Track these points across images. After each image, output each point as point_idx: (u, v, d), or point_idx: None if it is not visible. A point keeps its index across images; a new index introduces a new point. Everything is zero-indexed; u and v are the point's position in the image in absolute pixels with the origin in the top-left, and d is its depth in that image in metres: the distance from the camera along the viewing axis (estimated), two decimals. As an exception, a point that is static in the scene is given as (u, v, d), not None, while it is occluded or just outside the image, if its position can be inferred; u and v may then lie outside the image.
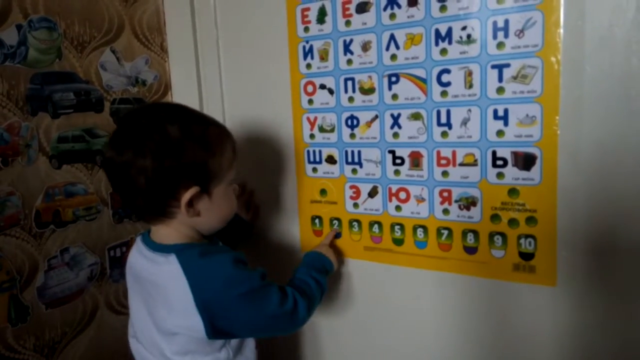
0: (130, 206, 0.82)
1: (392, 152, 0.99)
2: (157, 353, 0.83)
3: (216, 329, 0.77)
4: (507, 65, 0.85)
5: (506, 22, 0.84)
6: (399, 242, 1.02)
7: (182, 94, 1.24)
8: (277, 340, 1.23)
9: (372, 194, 1.03)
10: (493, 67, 0.86)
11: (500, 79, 0.86)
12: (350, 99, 1.01)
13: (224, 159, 0.80)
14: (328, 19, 1.01)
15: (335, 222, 1.08)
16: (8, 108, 0.97)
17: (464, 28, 0.88)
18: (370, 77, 0.98)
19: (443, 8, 0.89)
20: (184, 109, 0.82)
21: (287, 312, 0.81)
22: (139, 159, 0.74)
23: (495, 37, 0.85)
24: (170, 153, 0.74)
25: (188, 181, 0.76)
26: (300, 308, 0.83)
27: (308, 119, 1.08)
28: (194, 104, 1.22)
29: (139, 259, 0.84)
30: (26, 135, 1.00)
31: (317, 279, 0.93)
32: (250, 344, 0.88)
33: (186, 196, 0.76)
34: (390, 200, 1.01)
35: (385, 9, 0.95)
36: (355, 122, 1.02)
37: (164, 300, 0.78)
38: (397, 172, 0.99)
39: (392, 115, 0.98)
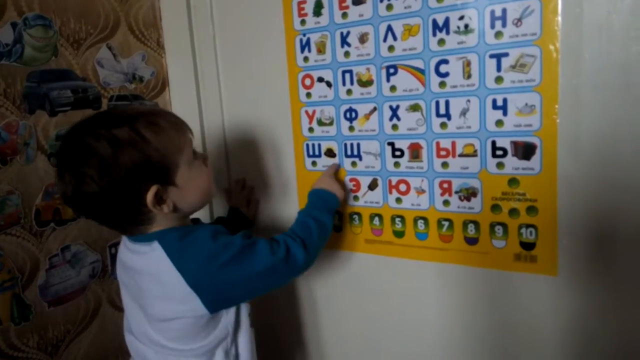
0: (111, 227, 0.82)
1: (392, 144, 0.99)
2: (151, 344, 0.84)
3: (216, 302, 0.78)
4: (506, 55, 0.84)
5: (504, 11, 0.83)
6: (399, 234, 1.01)
7: (180, 89, 1.24)
8: (279, 331, 1.23)
9: (372, 186, 1.03)
10: (491, 56, 0.86)
11: (499, 69, 0.85)
12: (349, 92, 1.01)
13: (169, 145, 0.77)
14: (324, 11, 1.01)
15: (336, 215, 1.08)
16: (5, 107, 0.96)
17: (461, 18, 0.87)
18: (368, 69, 0.98)
19: (440, -2, 0.89)
20: (104, 116, 0.78)
21: (280, 260, 0.80)
22: (86, 188, 0.73)
23: (493, 26, 0.85)
24: (109, 171, 0.72)
25: (143, 184, 0.75)
26: (294, 252, 0.83)
27: (306, 112, 1.07)
28: (191, 100, 1.21)
29: (126, 253, 0.84)
30: (24, 134, 1.00)
31: (317, 218, 0.91)
32: (245, 321, 0.87)
33: (149, 198, 0.75)
34: (391, 193, 1.01)
35: (382, 0, 0.94)
36: (353, 114, 1.02)
37: (159, 288, 0.78)
38: (396, 164, 0.99)
39: (390, 107, 0.97)
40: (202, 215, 1.16)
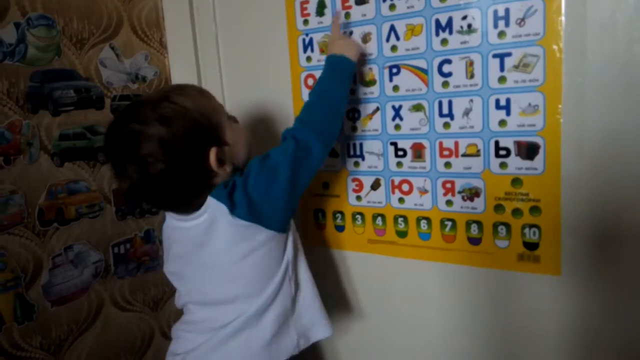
0: (177, 205, 0.82)
1: (394, 144, 0.99)
2: (226, 302, 0.83)
3: (276, 220, 0.81)
4: (509, 54, 0.84)
5: (507, 10, 0.83)
6: (402, 234, 1.01)
7: (183, 89, 1.24)
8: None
9: (375, 186, 1.03)
10: (494, 56, 0.86)
11: (502, 69, 0.85)
12: (351, 92, 1.01)
13: (208, 109, 0.80)
14: (327, 11, 1.01)
15: (339, 215, 1.08)
16: (9, 107, 0.97)
17: (464, 17, 0.87)
18: (370, 69, 0.98)
19: (443, -2, 0.88)
20: (137, 104, 0.79)
21: (294, 149, 0.82)
22: (152, 170, 0.74)
23: (496, 26, 0.85)
24: (168, 146, 0.74)
25: (203, 150, 0.77)
26: (302, 139, 0.84)
27: (309, 112, 1.07)
28: (194, 100, 1.21)
29: (181, 223, 0.83)
30: (27, 134, 1.00)
31: (325, 92, 0.89)
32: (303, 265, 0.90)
33: (212, 160, 0.77)
34: (393, 193, 1.01)
35: (384, 0, 0.94)
36: (356, 114, 1.02)
37: (225, 232, 0.79)
38: (399, 164, 0.99)
39: (393, 107, 0.97)
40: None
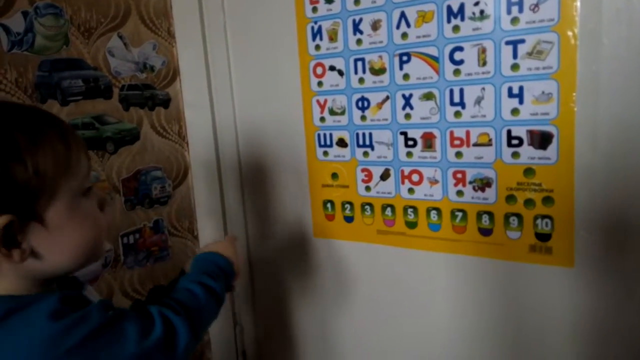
0: None
1: (404, 133, 0.97)
2: None
3: None
4: (522, 41, 0.82)
5: (520, -4, 0.81)
6: (412, 225, 1.00)
7: (191, 79, 1.23)
8: (290, 321, 1.23)
9: (384, 176, 1.02)
10: (507, 43, 0.84)
11: (515, 56, 0.83)
12: (361, 80, 0.99)
13: (50, 160, 0.52)
14: (337, -2, 0.99)
15: (347, 205, 1.07)
16: (17, 96, 0.97)
17: (476, 4, 0.85)
18: (380, 57, 0.96)
19: (455, -17, 0.87)
20: None
21: (158, 341, 0.56)
22: None
23: (509, 12, 0.83)
24: None
25: None
26: (178, 329, 0.59)
27: (318, 101, 1.06)
28: (202, 89, 1.21)
29: None
30: (36, 123, 1.00)
31: (207, 284, 0.69)
32: None
33: None
34: (403, 183, 1.00)
35: (395, -14, 0.92)
36: (366, 103, 1.00)
37: None
38: (409, 154, 0.97)
39: (403, 96, 0.96)
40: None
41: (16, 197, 0.50)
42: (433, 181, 0.96)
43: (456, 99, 0.90)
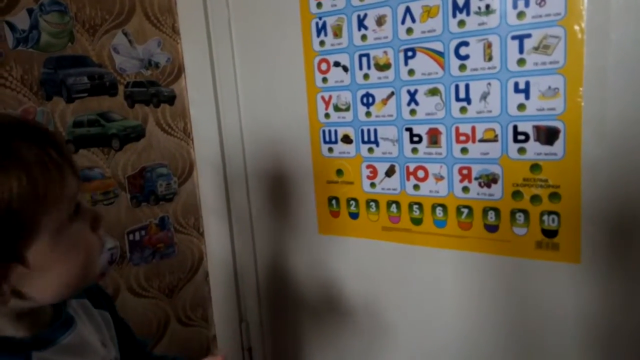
0: None
1: (410, 129, 0.97)
2: None
3: None
4: (528, 36, 0.82)
5: (527, -10, 0.81)
6: (417, 221, 1.00)
7: (195, 75, 1.23)
8: (295, 315, 1.23)
9: (390, 173, 1.01)
10: (513, 38, 0.83)
11: (521, 50, 0.83)
12: (366, 76, 0.99)
13: (26, 194, 0.45)
14: (341, -7, 0.99)
15: (353, 202, 1.07)
16: (23, 93, 0.97)
17: (482, -2, 0.84)
18: (385, 52, 0.96)
19: (460, -22, 0.86)
20: None
21: None
22: None
23: (515, 6, 0.82)
24: None
25: None
26: None
27: (322, 97, 1.06)
28: (207, 85, 1.21)
29: None
30: (42, 120, 1.00)
31: None
32: None
33: None
34: (408, 179, 0.99)
35: (400, -19, 0.92)
36: (370, 99, 1.00)
37: None
38: (414, 150, 0.97)
39: (408, 92, 0.95)
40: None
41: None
42: (438, 177, 0.96)
43: (462, 95, 0.90)
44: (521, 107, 0.84)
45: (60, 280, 0.50)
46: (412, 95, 0.95)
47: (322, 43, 1.03)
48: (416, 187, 0.98)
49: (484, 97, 0.88)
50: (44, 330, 0.53)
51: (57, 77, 1.02)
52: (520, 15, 0.82)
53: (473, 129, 0.90)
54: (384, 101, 0.98)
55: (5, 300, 0.47)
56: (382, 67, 0.97)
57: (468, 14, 0.86)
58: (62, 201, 0.48)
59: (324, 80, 1.04)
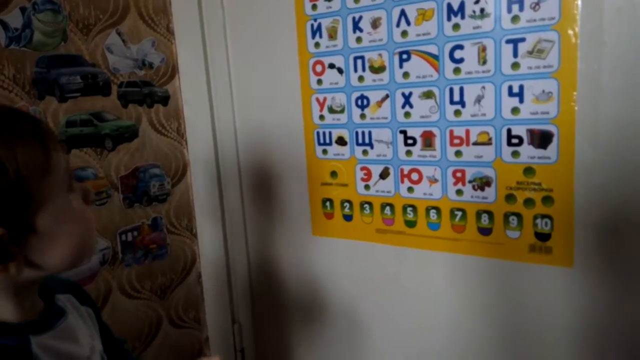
0: None
1: (404, 132, 0.97)
2: None
3: None
4: (523, 40, 0.82)
5: (521, -6, 0.81)
6: (411, 224, 1.00)
7: (190, 76, 1.23)
8: (287, 319, 1.23)
9: (384, 175, 1.01)
10: (508, 41, 0.83)
11: (515, 54, 0.83)
12: (360, 78, 0.99)
13: (27, 164, 0.48)
14: (337, -5, 0.99)
15: (347, 204, 1.07)
16: (15, 92, 0.96)
17: (477, 2, 0.85)
18: (380, 55, 0.96)
19: (455, -19, 0.86)
20: None
21: None
22: None
23: (509, 10, 0.82)
24: None
25: None
26: None
27: (317, 99, 1.06)
28: (201, 86, 1.20)
29: None
30: (34, 120, 0.99)
31: None
32: None
33: None
34: (402, 182, 0.99)
35: (395, -17, 0.92)
36: (365, 102, 1.00)
37: None
38: (408, 153, 0.97)
39: (403, 94, 0.95)
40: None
41: (3, 209, 0.47)
42: (432, 180, 0.96)
43: (456, 98, 0.90)
44: (515, 110, 0.85)
45: (67, 248, 0.53)
46: (407, 98, 0.95)
47: (317, 45, 1.03)
48: (410, 189, 0.98)
49: (478, 100, 0.88)
50: (37, 319, 0.55)
51: (49, 77, 1.01)
52: (515, 19, 0.82)
53: (467, 132, 0.90)
54: (379, 103, 0.98)
55: (20, 270, 0.49)
56: (377, 70, 0.97)
57: (463, 17, 0.86)
58: (60, 171, 0.52)
59: (319, 82, 1.04)
